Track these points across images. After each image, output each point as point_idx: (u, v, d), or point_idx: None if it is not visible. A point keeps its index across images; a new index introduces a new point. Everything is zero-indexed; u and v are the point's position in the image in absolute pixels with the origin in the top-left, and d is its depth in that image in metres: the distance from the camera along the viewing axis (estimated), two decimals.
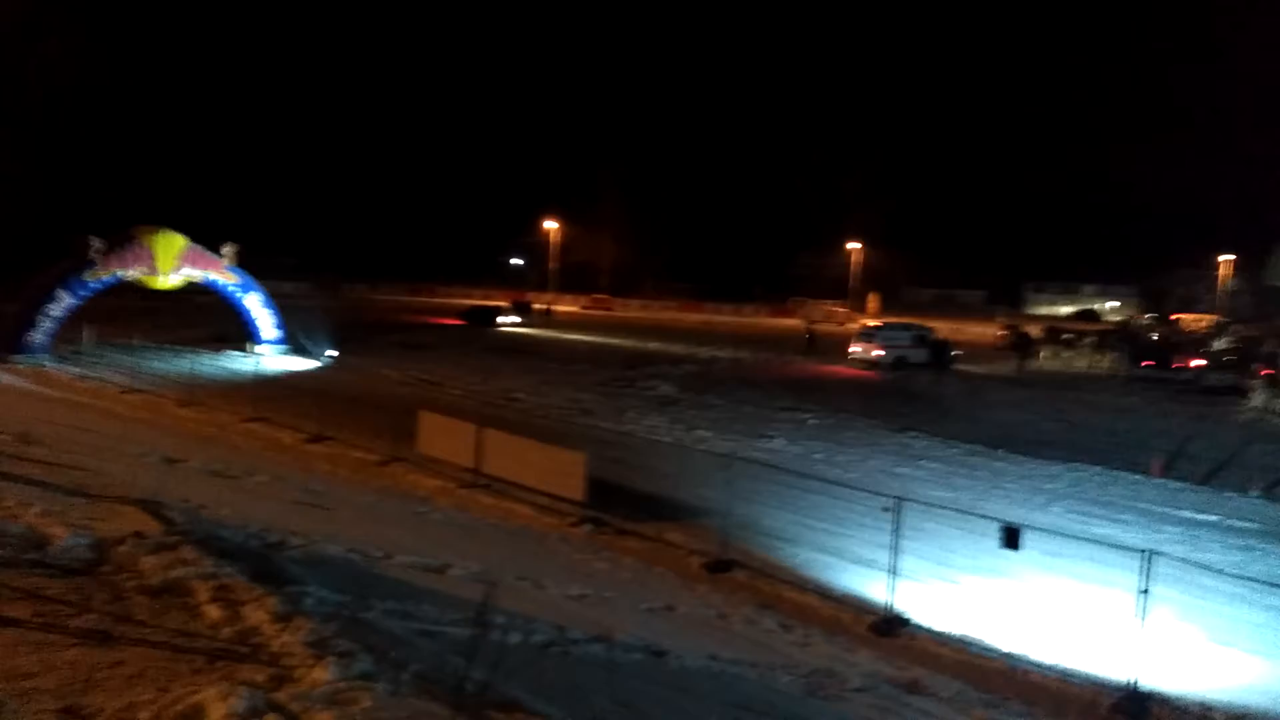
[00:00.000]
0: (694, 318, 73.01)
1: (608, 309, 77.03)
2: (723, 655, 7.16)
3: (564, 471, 16.05)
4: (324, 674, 3.84)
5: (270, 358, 34.37)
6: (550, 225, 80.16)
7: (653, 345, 47.32)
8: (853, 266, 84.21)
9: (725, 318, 73.82)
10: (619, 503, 16.13)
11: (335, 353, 35.89)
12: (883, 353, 41.44)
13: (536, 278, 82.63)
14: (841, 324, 66.31)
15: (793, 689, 7.04)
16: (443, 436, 18.75)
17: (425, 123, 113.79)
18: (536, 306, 64.35)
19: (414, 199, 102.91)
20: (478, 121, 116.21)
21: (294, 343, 36.83)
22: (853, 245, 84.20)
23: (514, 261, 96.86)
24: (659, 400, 29.70)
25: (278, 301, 38.25)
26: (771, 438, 24.01)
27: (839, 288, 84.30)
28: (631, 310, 77.55)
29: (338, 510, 12.60)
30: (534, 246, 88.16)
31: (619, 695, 4.79)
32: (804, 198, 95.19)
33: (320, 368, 34.03)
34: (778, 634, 10.72)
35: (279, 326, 37.08)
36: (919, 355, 41.95)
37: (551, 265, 79.11)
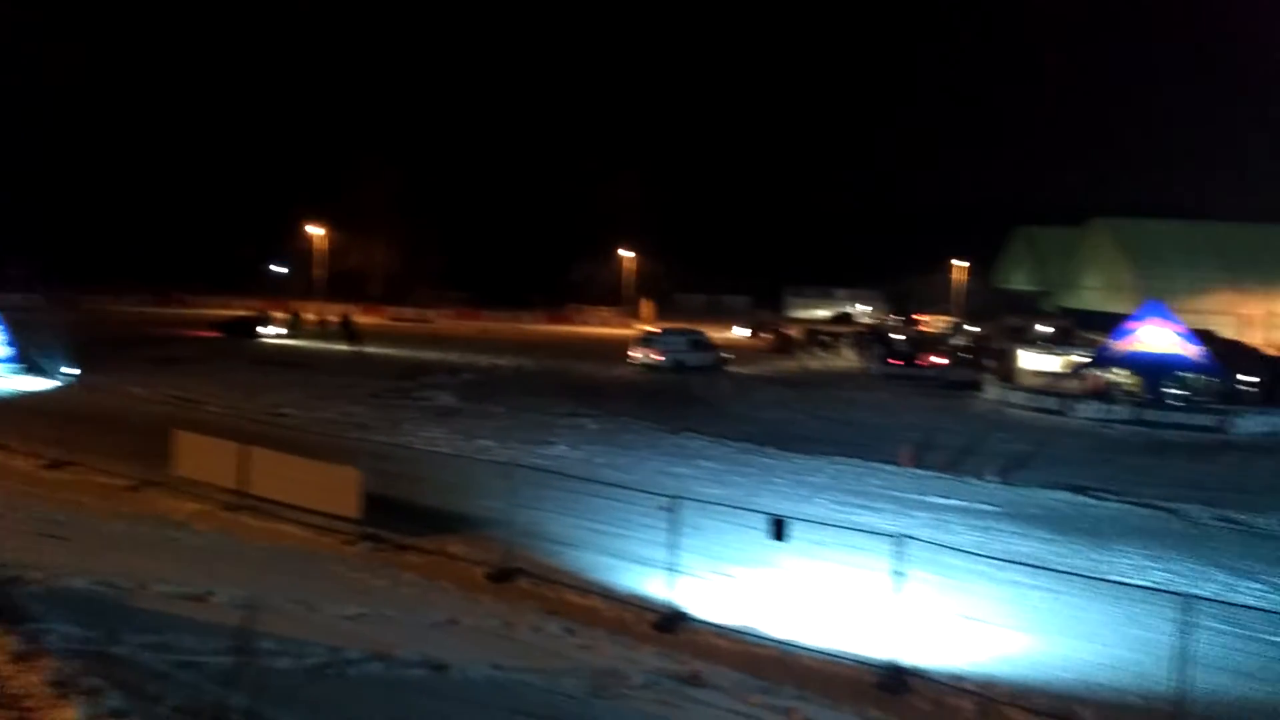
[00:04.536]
0: (472, 325, 72.30)
1: (405, 320, 74.70)
2: (507, 664, 7.12)
3: (337, 488, 15.45)
4: (70, 714, 3.55)
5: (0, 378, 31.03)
6: (315, 231, 76.45)
7: (429, 355, 46.38)
8: (625, 274, 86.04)
9: (503, 325, 73.50)
10: (398, 518, 15.70)
11: (76, 370, 32.81)
12: (662, 357, 42.87)
13: (301, 286, 78.56)
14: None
15: (577, 691, 7.10)
16: (202, 457, 17.58)
17: (173, 120, 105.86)
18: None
19: (160, 202, 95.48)
20: (232, 118, 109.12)
21: (27, 361, 33.37)
22: (625, 253, 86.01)
23: (277, 269, 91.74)
24: (438, 411, 29.16)
25: (6, 316, 34.51)
26: (554, 444, 24.13)
27: (614, 294, 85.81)
28: (409, 320, 75.79)
29: (83, 540, 11.57)
30: (298, 253, 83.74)
31: (398, 713, 4.66)
32: (578, 205, 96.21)
33: (59, 387, 31.05)
34: (562, 639, 10.78)
35: (9, 343, 33.51)
36: (696, 359, 43.79)
37: (317, 273, 75.74)
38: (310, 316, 61.90)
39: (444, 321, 74.96)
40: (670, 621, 12.15)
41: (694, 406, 32.59)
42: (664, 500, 13.16)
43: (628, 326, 69.39)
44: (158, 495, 17.26)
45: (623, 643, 11.07)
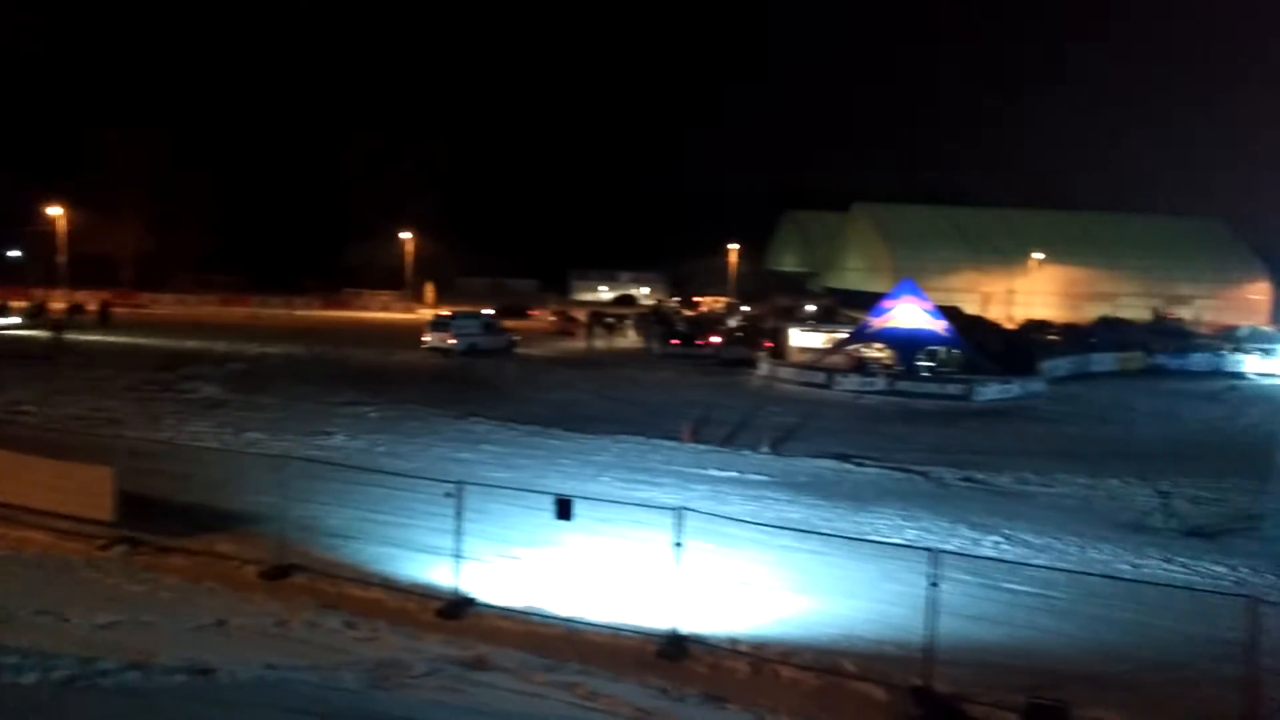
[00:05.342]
0: (240, 312, 68.39)
1: (145, 306, 69.25)
2: (280, 663, 6.86)
3: (87, 489, 14.26)
4: None
5: None
6: (53, 211, 69.61)
7: (192, 344, 43.49)
8: (406, 257, 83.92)
9: (274, 311, 69.97)
10: (159, 518, 14.67)
11: None
12: (456, 341, 42.49)
13: (41, 273, 71.34)
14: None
15: (356, 685, 6.94)
16: None
17: None
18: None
19: None
20: None
21: None
22: (405, 235, 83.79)
23: (11, 254, 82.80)
24: (202, 403, 27.45)
25: None
26: (331, 434, 23.27)
27: (394, 278, 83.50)
28: (168, 306, 70.77)
29: None
30: (36, 236, 75.77)
31: None
32: (353, 184, 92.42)
33: None
34: (342, 633, 10.47)
35: None
36: (489, 342, 43.75)
37: (59, 257, 69.17)
38: (58, 305, 56.58)
39: (207, 307, 70.56)
40: (455, 608, 12.04)
41: (480, 390, 32.31)
42: (448, 486, 13.01)
43: (410, 311, 67.81)
44: None
45: (406, 632, 10.88)
